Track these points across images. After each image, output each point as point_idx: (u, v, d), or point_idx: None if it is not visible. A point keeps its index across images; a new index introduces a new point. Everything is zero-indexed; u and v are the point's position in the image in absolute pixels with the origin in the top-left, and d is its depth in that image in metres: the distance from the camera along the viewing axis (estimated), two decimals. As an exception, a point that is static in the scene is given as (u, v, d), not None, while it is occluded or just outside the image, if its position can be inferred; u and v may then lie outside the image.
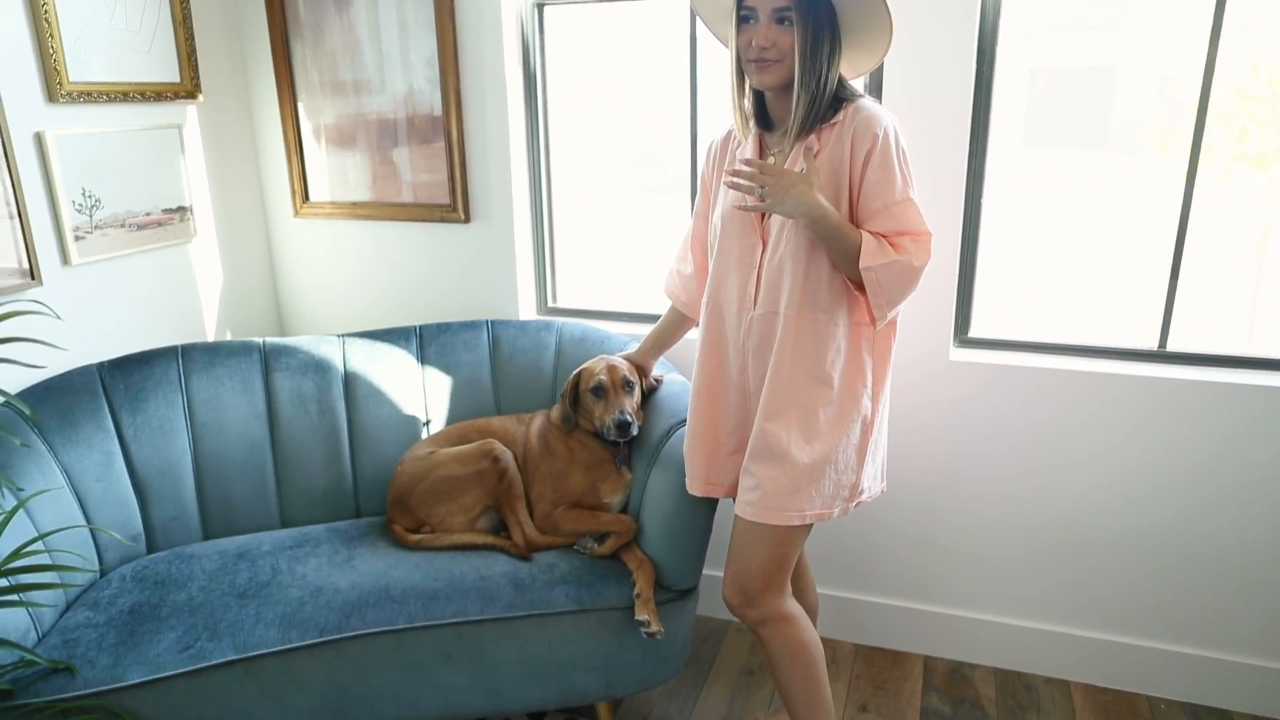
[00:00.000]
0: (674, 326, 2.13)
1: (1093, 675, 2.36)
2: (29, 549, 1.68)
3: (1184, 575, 2.22)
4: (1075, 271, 2.58)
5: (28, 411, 1.65)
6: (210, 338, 2.66)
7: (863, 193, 1.62)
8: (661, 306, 2.16)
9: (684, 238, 2.04)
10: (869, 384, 1.72)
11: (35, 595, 1.79)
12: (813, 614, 2.09)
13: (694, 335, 2.20)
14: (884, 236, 1.61)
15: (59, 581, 1.74)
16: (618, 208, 2.80)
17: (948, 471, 2.35)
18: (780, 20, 1.57)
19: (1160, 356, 2.20)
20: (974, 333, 2.34)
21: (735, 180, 1.60)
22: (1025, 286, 2.59)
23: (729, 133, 1.84)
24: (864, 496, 1.76)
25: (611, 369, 2.11)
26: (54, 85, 2.13)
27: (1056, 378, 2.20)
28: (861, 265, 1.57)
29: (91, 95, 2.22)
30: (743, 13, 1.61)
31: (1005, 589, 2.39)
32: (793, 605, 1.82)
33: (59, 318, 1.83)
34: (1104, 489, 2.24)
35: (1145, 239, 2.43)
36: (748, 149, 1.75)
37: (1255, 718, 2.23)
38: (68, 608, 1.93)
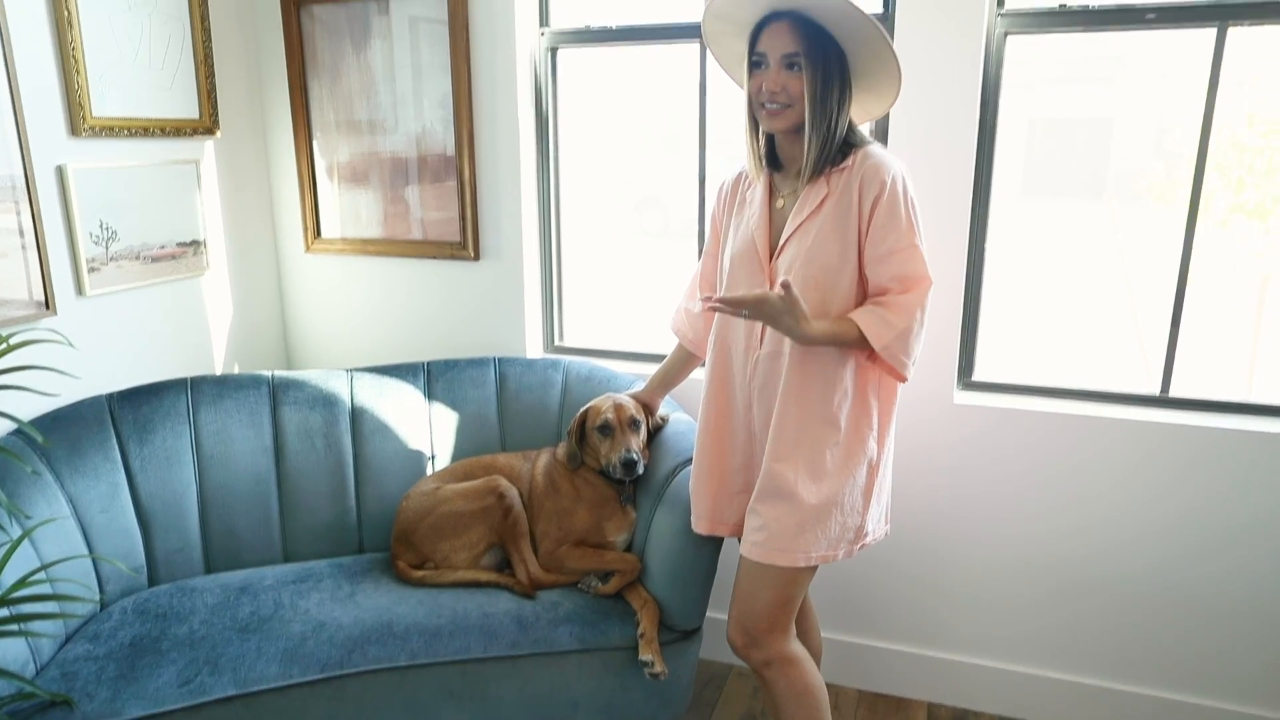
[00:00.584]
0: (681, 365, 2.15)
1: (1099, 724, 2.33)
2: (32, 579, 1.68)
3: (1186, 620, 2.21)
4: (1076, 317, 2.61)
5: (40, 439, 1.66)
6: (219, 370, 2.68)
7: (870, 238, 1.64)
8: (667, 346, 2.17)
9: (693, 276, 2.06)
10: (875, 426, 1.73)
11: (35, 626, 1.78)
12: (816, 657, 2.07)
13: (700, 374, 2.22)
14: (879, 296, 1.64)
15: (60, 612, 1.73)
16: (621, 249, 2.83)
17: (951, 514, 2.35)
18: (790, 66, 1.61)
19: (1162, 402, 2.21)
20: (978, 376, 2.35)
21: (719, 308, 1.59)
22: (1028, 331, 2.62)
23: (740, 174, 1.87)
24: (868, 539, 1.76)
25: (618, 407, 2.12)
26: (77, 120, 2.17)
27: (1059, 421, 2.21)
28: (878, 348, 1.60)
29: (113, 130, 2.26)
30: (754, 58, 1.65)
31: (1008, 633, 2.37)
32: (797, 647, 1.81)
33: (73, 346, 1.85)
34: (1107, 532, 2.23)
35: (1145, 286, 2.46)
36: (758, 190, 1.78)
37: (1264, 770, 2.20)
38: (67, 640, 1.91)
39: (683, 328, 2.07)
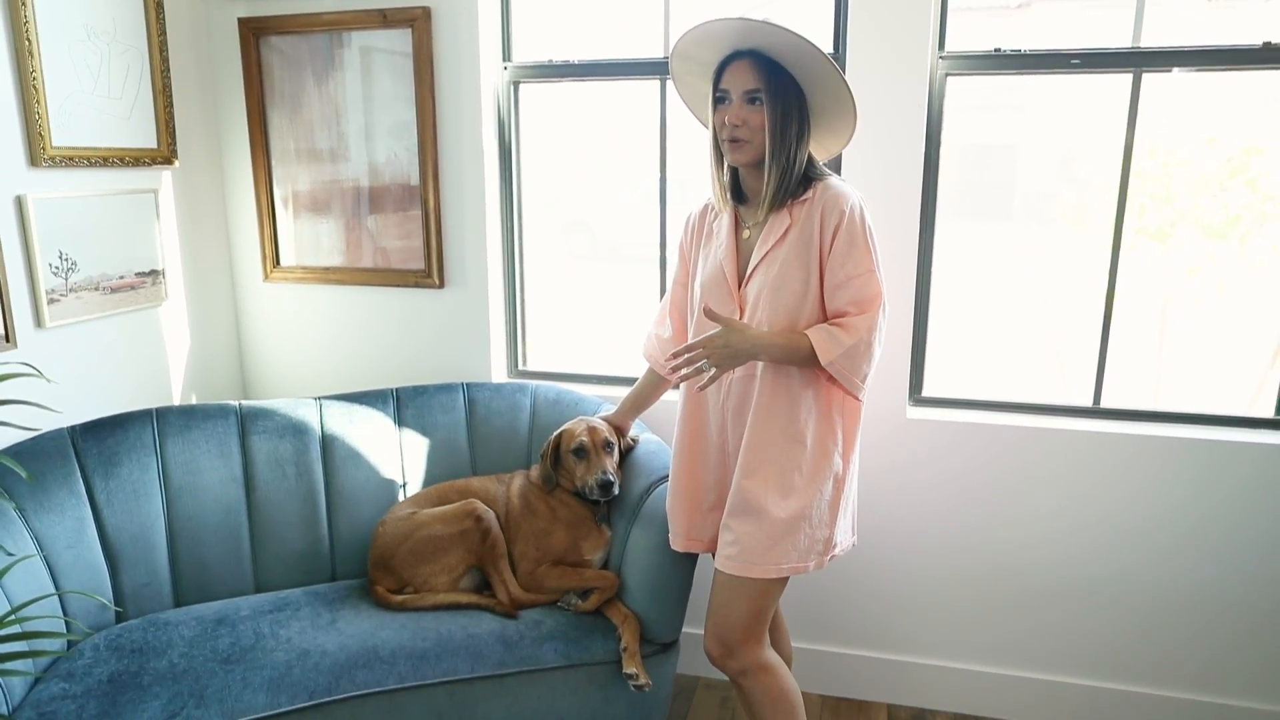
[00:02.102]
0: (651, 388, 2.21)
1: (1043, 715, 2.49)
2: (8, 620, 1.64)
3: (1130, 619, 2.39)
4: (1002, 335, 2.79)
5: (24, 475, 1.63)
6: (176, 401, 2.64)
7: (829, 265, 1.74)
8: (623, 367, 2.25)
9: (662, 304, 2.13)
10: (840, 442, 1.83)
11: (14, 667, 1.73)
12: (787, 664, 2.16)
13: (671, 397, 2.31)
14: (837, 314, 1.74)
15: (36, 650, 1.69)
16: (549, 273, 2.90)
17: (906, 524, 2.48)
18: (751, 101, 1.71)
19: (1095, 412, 2.40)
20: (927, 392, 2.50)
21: (684, 371, 1.74)
22: (961, 348, 2.78)
23: (706, 205, 1.96)
24: (837, 550, 1.86)
25: (592, 430, 2.19)
26: (37, 150, 2.14)
27: (1002, 433, 2.38)
28: (824, 361, 1.69)
29: (72, 160, 2.24)
30: (718, 95, 1.75)
31: (963, 636, 2.51)
32: (772, 655, 1.89)
33: (48, 380, 1.81)
34: (1052, 538, 2.40)
35: (1064, 305, 2.66)
36: (724, 221, 1.87)
37: (1195, 751, 2.39)
38: (37, 681, 1.86)
39: (654, 353, 2.13)
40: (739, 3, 2.40)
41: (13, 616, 1.66)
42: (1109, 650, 2.42)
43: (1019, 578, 2.44)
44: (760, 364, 1.77)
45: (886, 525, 2.49)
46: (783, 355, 1.71)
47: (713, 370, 1.70)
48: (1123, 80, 2.24)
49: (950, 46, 2.31)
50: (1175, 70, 2.21)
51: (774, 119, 1.71)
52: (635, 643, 2.02)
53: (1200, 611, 2.34)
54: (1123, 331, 2.39)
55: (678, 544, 1.96)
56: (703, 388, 1.77)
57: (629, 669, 1.98)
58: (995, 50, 2.28)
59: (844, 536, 1.88)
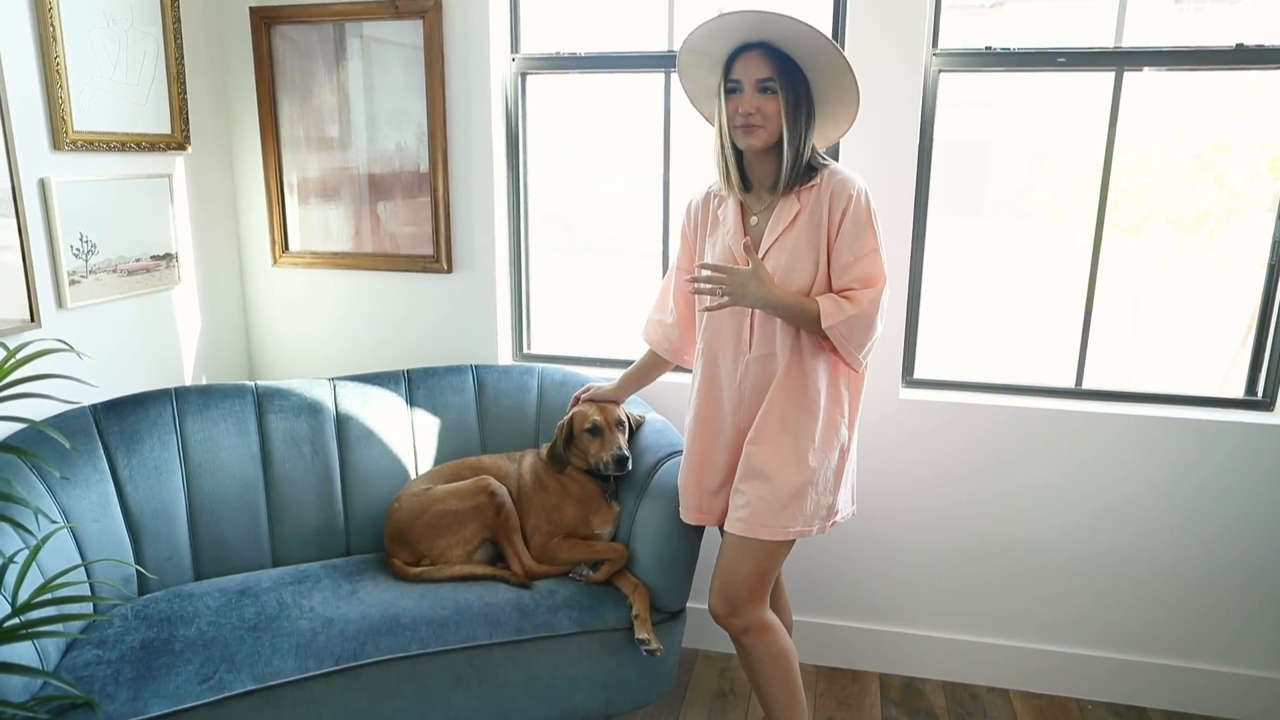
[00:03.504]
0: (650, 368, 2.29)
1: (1028, 683, 2.62)
2: (52, 584, 1.70)
3: (1112, 590, 2.52)
4: (986, 321, 2.91)
5: (67, 444, 1.68)
6: (187, 382, 2.69)
7: (837, 246, 1.84)
8: (624, 352, 2.31)
9: (661, 290, 2.21)
10: (846, 414, 1.95)
11: (54, 629, 1.79)
12: (788, 631, 2.27)
13: (672, 379, 2.41)
14: (842, 290, 1.84)
15: (77, 613, 1.75)
16: (551, 262, 2.98)
17: (899, 501, 2.60)
18: (764, 89, 1.80)
19: (1076, 393, 2.53)
20: (919, 374, 2.62)
21: (699, 286, 1.84)
22: (949, 334, 2.90)
23: (708, 193, 2.03)
24: (839, 517, 1.97)
25: (605, 410, 2.27)
26: (60, 133, 2.19)
27: (989, 413, 2.50)
28: (824, 325, 1.79)
29: (92, 144, 2.28)
30: (729, 85, 1.84)
31: (953, 608, 2.64)
32: (772, 616, 2.01)
33: (80, 356, 1.87)
34: (1038, 513, 2.52)
35: (1041, 295, 2.79)
36: (730, 208, 1.95)
37: (1170, 713, 2.52)
38: (69, 647, 1.92)
39: (656, 337, 2.20)
40: (742, -1, 2.48)
41: (51, 585, 1.72)
42: (1091, 620, 2.55)
43: (1006, 552, 2.56)
44: (779, 345, 1.87)
45: (880, 502, 2.61)
46: (790, 313, 1.81)
47: (724, 299, 1.80)
48: (1101, 79, 2.36)
49: (944, 45, 2.42)
50: (1146, 69, 2.34)
51: (788, 106, 1.80)
52: (646, 610, 2.11)
53: (1177, 583, 2.48)
54: (1099, 319, 2.53)
55: (689, 517, 2.05)
56: (708, 309, 1.88)
57: (641, 634, 2.07)
58: (986, 48, 2.40)
59: (845, 504, 1.99)
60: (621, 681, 2.13)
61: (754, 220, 1.93)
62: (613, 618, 2.11)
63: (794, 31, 1.75)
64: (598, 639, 2.09)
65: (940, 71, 2.43)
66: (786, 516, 1.88)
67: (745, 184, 1.93)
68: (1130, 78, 2.35)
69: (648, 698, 2.18)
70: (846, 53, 2.35)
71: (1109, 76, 2.36)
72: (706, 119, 1.98)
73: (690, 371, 2.08)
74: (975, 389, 2.58)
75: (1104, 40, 2.37)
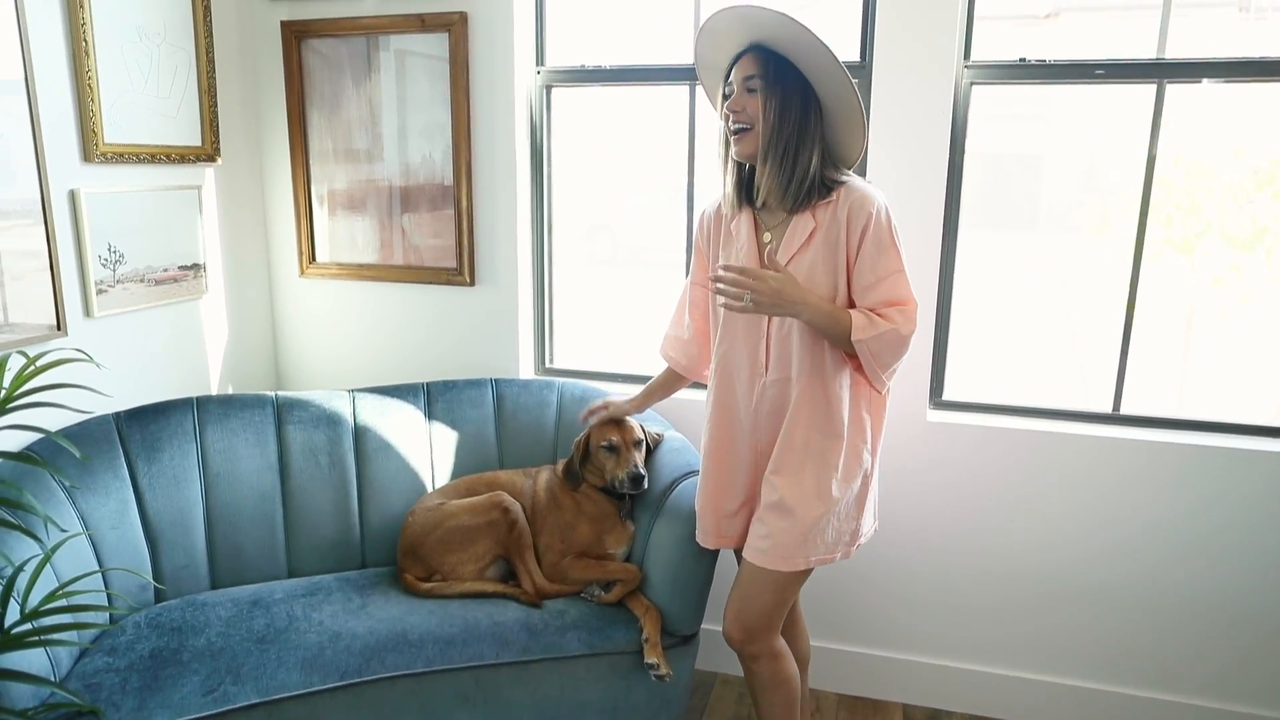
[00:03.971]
0: (669, 383, 2.22)
1: (1061, 719, 2.52)
2: (61, 592, 1.72)
3: (1146, 624, 2.41)
4: (1023, 341, 2.81)
5: (77, 454, 1.70)
6: (214, 391, 2.72)
7: (858, 266, 1.76)
8: (647, 367, 2.27)
9: (678, 304, 2.13)
10: (868, 440, 1.87)
11: (60, 637, 1.81)
12: (804, 663, 2.20)
13: (687, 395, 2.36)
14: (871, 309, 1.76)
15: (89, 622, 1.76)
16: (627, 278, 2.96)
17: (925, 526, 2.52)
18: (749, 89, 1.72)
19: (1114, 419, 2.42)
20: (947, 395, 2.54)
21: (721, 287, 1.68)
22: (985, 353, 2.81)
23: (719, 207, 1.94)
24: (862, 539, 1.91)
25: (623, 428, 2.23)
26: (90, 146, 2.23)
27: (1021, 437, 2.41)
28: (854, 339, 1.71)
29: (122, 156, 2.32)
30: (725, 89, 1.78)
31: (979, 638, 2.54)
32: (782, 643, 1.96)
33: (99, 365, 1.89)
34: (1071, 542, 2.42)
35: (1087, 313, 2.68)
36: (743, 224, 1.86)
37: (1210, 757, 2.40)
38: (82, 654, 1.94)
39: (673, 353, 2.14)
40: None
41: (61, 591, 1.74)
42: (1123, 655, 2.44)
43: (1035, 581, 2.46)
44: (795, 369, 1.79)
45: (905, 526, 2.53)
46: (822, 321, 1.71)
47: (749, 303, 1.67)
48: (1148, 91, 2.27)
49: (976, 56, 2.35)
50: (1205, 81, 2.24)
51: (769, 106, 1.70)
52: (657, 633, 2.07)
53: (1213, 619, 2.36)
54: (1146, 340, 2.42)
55: (706, 541, 2.00)
56: (728, 307, 1.71)
57: (650, 659, 2.02)
58: (1020, 60, 2.32)
59: (868, 525, 1.93)
60: (630, 706, 2.08)
61: (768, 237, 1.85)
62: (622, 640, 2.07)
63: (781, 30, 1.66)
64: (606, 662, 2.05)
65: (972, 84, 2.35)
66: (808, 547, 1.82)
67: (748, 196, 1.85)
68: (1184, 90, 2.24)
69: (658, 723, 2.14)
70: (874, 64, 2.32)
71: (1152, 89, 2.26)
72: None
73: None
74: (1007, 412, 2.49)
75: (1172, 51, 2.25)
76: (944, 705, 2.60)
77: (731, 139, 1.77)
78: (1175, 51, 2.25)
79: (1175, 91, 2.26)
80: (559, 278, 2.85)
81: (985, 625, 2.53)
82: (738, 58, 1.76)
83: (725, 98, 1.77)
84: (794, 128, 1.71)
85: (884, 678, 2.63)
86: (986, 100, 2.41)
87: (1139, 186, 2.32)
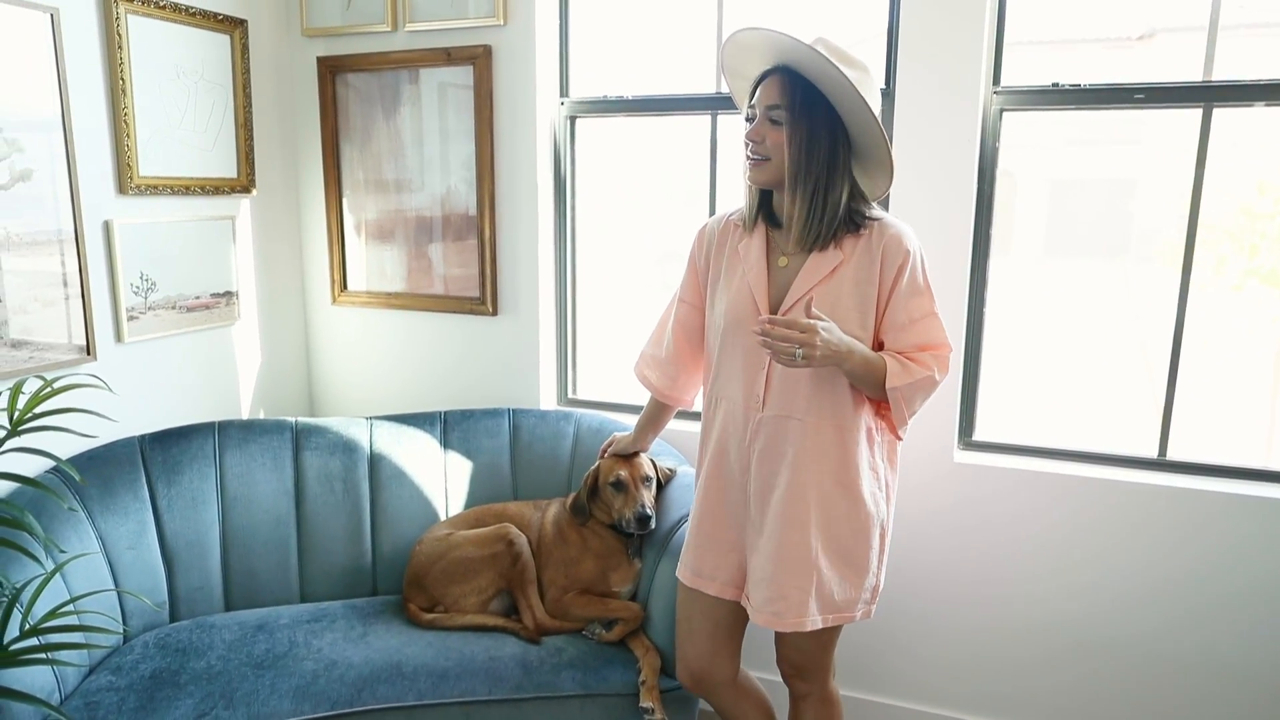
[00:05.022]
0: (655, 417, 2.12)
1: (1101, 788, 2.33)
2: (62, 610, 1.76)
3: (1182, 684, 2.22)
4: (1088, 379, 2.63)
5: (77, 478, 1.76)
6: (245, 416, 2.79)
7: (890, 306, 1.67)
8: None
9: (659, 321, 2.01)
10: (884, 488, 1.76)
11: (63, 655, 1.86)
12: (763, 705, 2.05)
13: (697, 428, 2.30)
14: (903, 353, 1.67)
15: (86, 643, 1.81)
16: (644, 305, 2.91)
17: (952, 572, 2.39)
18: (771, 120, 1.63)
19: (1161, 465, 2.26)
20: (978, 435, 2.41)
21: (770, 342, 1.54)
22: (1041, 392, 2.64)
23: (726, 223, 1.83)
24: (879, 593, 1.81)
25: (632, 465, 2.18)
26: (125, 178, 2.33)
27: (1058, 482, 2.26)
28: (889, 386, 1.62)
29: (157, 188, 2.41)
30: (748, 113, 1.70)
31: (1005, 692, 2.39)
32: (835, 687, 1.94)
33: (111, 391, 1.96)
34: (1107, 595, 2.26)
35: (1158, 349, 2.50)
36: (754, 244, 1.76)
37: (1268, 839, 2.19)
38: (91, 671, 1.99)
39: (649, 373, 2.00)
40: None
41: (65, 610, 1.79)
42: (1157, 716, 2.25)
43: (1063, 633, 2.30)
44: (801, 407, 1.69)
45: (928, 573, 2.40)
46: (862, 368, 1.61)
47: (802, 358, 1.53)
48: (1194, 118, 2.13)
49: (1006, 81, 2.25)
50: (1247, 106, 2.09)
51: (796, 139, 1.61)
52: (654, 676, 2.00)
53: (1260, 687, 2.15)
54: (1235, 381, 2.25)
55: (685, 577, 1.89)
56: (779, 361, 1.56)
57: (646, 703, 1.96)
58: (1054, 85, 2.21)
59: (883, 578, 1.82)
60: (625, 751, 2.02)
61: (783, 262, 1.73)
62: (619, 682, 2.01)
63: (810, 60, 1.57)
64: (600, 704, 1.99)
65: (1002, 110, 2.25)
66: (823, 606, 1.73)
67: (774, 219, 1.76)
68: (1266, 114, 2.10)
69: (655, 770, 2.06)
70: (897, 89, 2.24)
71: (1197, 114, 2.12)
72: None
73: None
74: (1042, 455, 2.35)
75: (1220, 73, 2.11)
76: (974, 764, 2.44)
77: (748, 164, 1.70)
78: (1222, 74, 2.11)
79: (1263, 114, 2.10)
80: (595, 308, 2.83)
81: (1008, 677, 2.37)
82: (765, 75, 1.67)
83: (747, 119, 1.69)
84: (823, 164, 1.62)
85: (909, 731, 2.49)
86: (1074, 125, 2.33)
87: (1216, 215, 2.16)
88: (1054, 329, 2.51)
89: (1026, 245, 2.48)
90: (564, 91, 2.69)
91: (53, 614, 1.73)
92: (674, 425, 2.47)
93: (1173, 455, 2.27)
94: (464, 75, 2.64)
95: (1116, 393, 2.52)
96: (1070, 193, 2.49)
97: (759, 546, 1.75)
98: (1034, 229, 2.52)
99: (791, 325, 1.53)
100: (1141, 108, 2.18)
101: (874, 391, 1.66)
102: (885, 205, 2.32)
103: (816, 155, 1.63)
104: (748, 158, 1.69)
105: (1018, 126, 2.32)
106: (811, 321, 1.54)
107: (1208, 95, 2.11)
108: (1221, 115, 2.12)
